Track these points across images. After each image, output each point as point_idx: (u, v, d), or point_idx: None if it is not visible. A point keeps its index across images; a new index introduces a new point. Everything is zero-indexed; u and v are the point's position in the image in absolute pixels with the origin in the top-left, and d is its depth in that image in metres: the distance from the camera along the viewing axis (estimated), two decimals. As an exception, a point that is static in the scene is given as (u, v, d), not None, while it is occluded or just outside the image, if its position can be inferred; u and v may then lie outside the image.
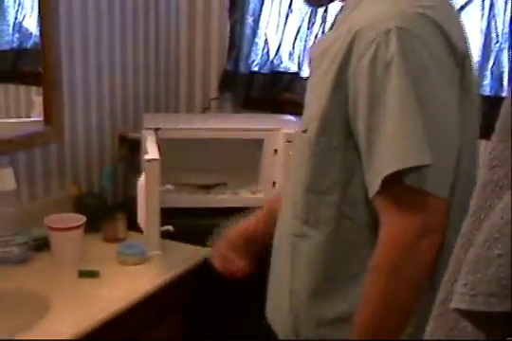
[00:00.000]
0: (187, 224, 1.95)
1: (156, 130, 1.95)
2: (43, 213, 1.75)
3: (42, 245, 1.76)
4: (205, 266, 1.75)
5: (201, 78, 2.43)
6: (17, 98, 1.92)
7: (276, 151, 2.01)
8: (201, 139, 2.03)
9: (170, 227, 1.71)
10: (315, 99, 1.15)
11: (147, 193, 1.62)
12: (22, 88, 1.95)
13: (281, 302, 1.27)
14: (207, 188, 2.11)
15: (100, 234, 1.91)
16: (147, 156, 1.63)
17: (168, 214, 1.83)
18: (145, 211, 1.64)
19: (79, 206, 1.94)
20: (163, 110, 2.43)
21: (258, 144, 2.04)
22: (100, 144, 2.14)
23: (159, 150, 1.75)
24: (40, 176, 1.94)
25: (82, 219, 1.73)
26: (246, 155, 2.11)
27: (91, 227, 1.89)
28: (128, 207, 1.91)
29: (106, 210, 1.93)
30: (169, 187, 1.72)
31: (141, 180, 1.64)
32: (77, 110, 2.03)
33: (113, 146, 2.19)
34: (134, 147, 2.05)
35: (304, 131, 1.17)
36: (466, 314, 0.64)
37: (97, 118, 2.11)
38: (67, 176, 2.03)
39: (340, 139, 1.11)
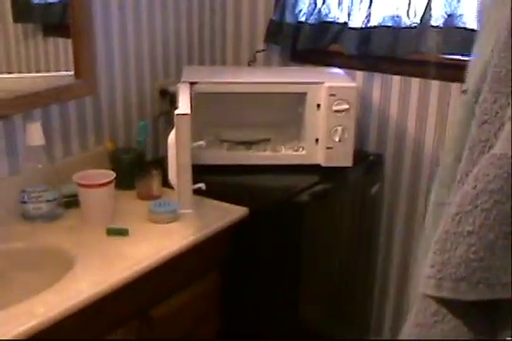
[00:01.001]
0: (224, 182, 1.91)
1: (193, 84, 1.87)
2: (78, 169, 1.71)
3: (73, 202, 1.72)
4: (240, 225, 1.71)
5: (248, 29, 2.33)
6: (65, 52, 1.86)
7: (319, 105, 1.92)
8: (240, 93, 1.95)
9: (202, 185, 1.64)
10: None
11: (177, 150, 1.56)
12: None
13: None
14: (249, 144, 2.04)
15: (134, 191, 1.86)
16: (177, 111, 1.56)
17: (204, 171, 1.79)
18: (176, 169, 1.57)
19: (113, 161, 1.90)
20: (208, 63, 2.34)
21: (301, 98, 1.95)
22: (140, 97, 2.08)
23: (194, 104, 1.69)
24: (75, 131, 1.90)
25: (111, 175, 1.68)
26: (290, 110, 2.02)
27: (126, 184, 1.86)
28: (164, 164, 1.85)
29: (141, 167, 1.87)
30: (201, 143, 1.64)
31: (171, 136, 1.57)
32: (114, 62, 1.97)
33: (153, 99, 2.12)
34: (175, 100, 1.98)
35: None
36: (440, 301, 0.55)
37: (136, 71, 2.05)
38: (104, 131, 1.99)
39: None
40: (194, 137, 1.81)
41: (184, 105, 1.61)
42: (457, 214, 0.53)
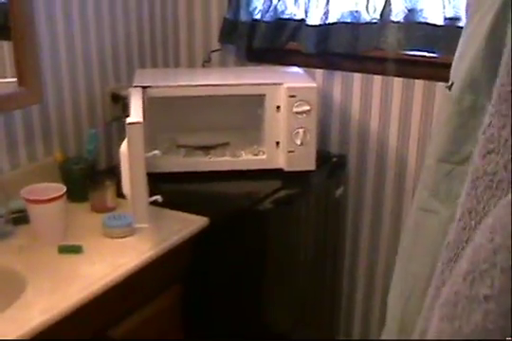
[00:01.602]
0: (182, 190, 1.86)
1: (145, 88, 1.80)
2: (27, 182, 1.63)
3: (23, 218, 1.63)
4: (201, 235, 1.67)
5: (201, 28, 2.26)
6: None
7: (279, 107, 1.87)
8: (195, 97, 1.87)
9: (158, 198, 1.57)
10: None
11: (130, 161, 1.48)
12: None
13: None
14: (207, 149, 1.97)
15: (88, 203, 1.78)
16: (128, 119, 1.48)
17: (161, 179, 1.76)
18: (129, 181, 1.49)
19: (64, 172, 1.81)
20: (161, 65, 2.26)
21: (260, 100, 1.88)
22: (90, 103, 2.00)
23: (147, 109, 1.64)
24: (22, 141, 1.80)
25: (61, 189, 1.58)
26: (249, 113, 1.96)
27: (78, 196, 1.78)
28: (119, 173, 1.77)
29: (93, 177, 1.79)
30: (156, 152, 1.57)
31: (124, 146, 1.49)
32: (61, 67, 1.88)
33: (105, 105, 2.04)
34: (127, 105, 1.91)
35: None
36: None
37: (85, 76, 1.96)
38: (53, 141, 1.90)
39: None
40: (149, 143, 1.75)
41: (136, 112, 1.53)
42: (469, 273, 0.44)
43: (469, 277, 0.43)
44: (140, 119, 1.47)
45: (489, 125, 0.49)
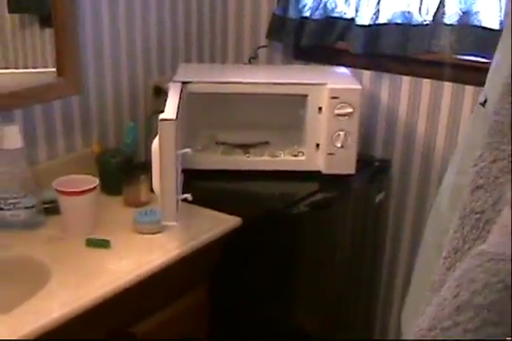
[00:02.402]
0: (217, 189, 1.85)
1: (185, 83, 1.79)
2: (64, 172, 1.64)
3: (55, 209, 1.64)
4: (233, 235, 1.66)
5: (250, 24, 2.24)
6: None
7: (320, 108, 1.83)
8: (237, 94, 1.86)
9: (188, 196, 1.56)
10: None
11: (161, 158, 1.47)
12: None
13: None
14: (246, 147, 1.96)
15: (122, 197, 1.79)
16: (161, 116, 1.47)
17: (197, 176, 1.78)
18: (159, 178, 1.49)
19: (100, 165, 1.82)
20: (208, 60, 2.26)
21: (302, 100, 1.86)
22: (133, 96, 2.01)
23: (188, 104, 1.65)
24: (60, 132, 1.82)
25: (94, 181, 1.60)
26: (291, 113, 1.93)
27: (113, 189, 1.80)
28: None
29: (129, 171, 1.79)
30: (187, 150, 1.56)
31: (155, 142, 1.49)
32: (104, 58, 1.89)
33: (147, 98, 2.04)
34: (170, 99, 1.92)
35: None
36: None
37: (128, 68, 1.97)
38: (93, 132, 1.91)
39: None
40: (188, 139, 1.77)
41: (170, 109, 1.53)
42: (432, 329, 0.41)
43: (431, 333, 0.40)
44: (173, 116, 1.46)
45: (480, 157, 0.46)
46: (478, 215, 0.46)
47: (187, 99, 1.77)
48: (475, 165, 0.48)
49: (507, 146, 0.47)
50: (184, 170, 1.72)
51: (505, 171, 0.48)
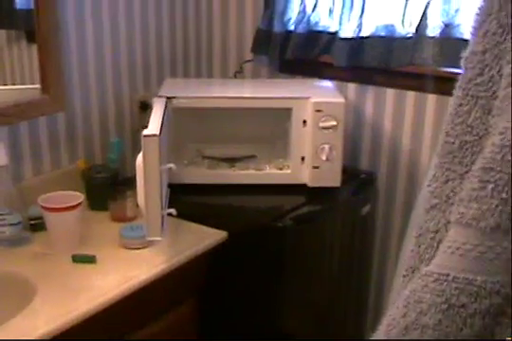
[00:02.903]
0: (203, 203, 1.87)
1: (170, 98, 1.81)
2: (50, 189, 1.66)
3: (41, 225, 1.66)
4: (219, 250, 1.68)
5: (235, 38, 2.27)
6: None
7: (305, 122, 1.86)
8: (222, 108, 1.88)
9: (172, 211, 1.58)
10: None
11: (145, 173, 1.49)
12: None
13: None
14: (232, 161, 1.98)
15: (108, 212, 1.81)
16: (145, 131, 1.49)
17: (183, 191, 1.80)
18: (144, 193, 1.50)
19: (86, 181, 1.84)
20: (194, 75, 2.28)
21: (287, 113, 1.88)
22: (118, 112, 2.03)
23: (173, 119, 1.70)
24: (46, 148, 1.84)
25: (79, 197, 1.61)
26: (276, 126, 1.97)
27: (99, 205, 1.82)
28: (137, 184, 1.80)
29: (114, 186, 1.81)
30: (170, 166, 1.58)
31: (139, 158, 1.51)
32: (89, 74, 1.91)
33: (133, 113, 2.06)
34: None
35: None
36: None
37: (113, 83, 1.99)
38: (79, 148, 1.93)
39: None
40: (175, 154, 1.80)
41: (154, 124, 1.55)
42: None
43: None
44: (156, 132, 1.48)
45: (433, 177, 0.48)
46: (432, 234, 0.47)
47: (173, 114, 1.80)
48: (429, 185, 0.50)
49: (458, 166, 0.49)
50: (170, 185, 1.74)
51: (457, 191, 0.50)
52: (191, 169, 1.92)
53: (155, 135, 1.48)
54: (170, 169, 1.60)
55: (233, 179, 1.91)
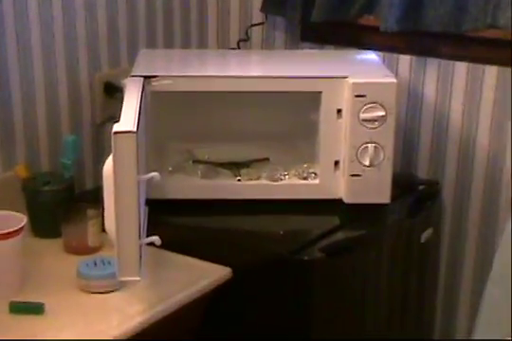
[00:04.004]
0: (197, 227, 1.88)
1: (149, 78, 1.81)
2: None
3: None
4: (219, 293, 1.69)
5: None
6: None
7: (340, 111, 1.87)
8: (223, 93, 1.90)
9: (156, 240, 1.57)
10: None
11: (116, 186, 1.49)
12: None
13: None
14: (235, 167, 1.99)
15: (60, 240, 1.81)
16: (116, 127, 1.49)
17: (168, 210, 1.82)
18: (114, 214, 1.51)
19: (28, 195, 1.84)
20: (179, 45, 2.30)
21: (314, 100, 1.89)
22: (73, 98, 2.04)
23: (154, 108, 1.72)
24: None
25: (20, 220, 1.62)
26: (298, 118, 1.98)
27: (47, 230, 1.84)
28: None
29: (70, 203, 1.81)
30: (153, 175, 1.57)
31: (108, 164, 1.51)
32: (31, 45, 1.91)
33: (94, 100, 2.08)
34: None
35: None
36: None
37: (65, 57, 1.99)
38: (17, 150, 1.93)
39: None
40: (155, 158, 1.82)
41: (128, 116, 1.54)
42: None
43: None
44: (132, 127, 1.47)
45: None
46: None
47: (151, 101, 1.80)
48: None
49: None
50: (150, 202, 1.74)
51: None
52: (178, 178, 1.93)
53: (130, 132, 1.47)
54: (151, 179, 1.59)
55: (238, 193, 1.92)
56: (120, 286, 1.66)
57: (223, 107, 1.99)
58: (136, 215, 1.51)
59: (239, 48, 2.27)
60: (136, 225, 1.51)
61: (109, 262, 1.66)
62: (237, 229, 1.88)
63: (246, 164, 2.01)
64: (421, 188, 2.11)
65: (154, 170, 1.62)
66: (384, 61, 2.05)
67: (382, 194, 1.90)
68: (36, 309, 1.57)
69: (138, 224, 1.51)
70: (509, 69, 2.00)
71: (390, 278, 2.00)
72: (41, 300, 1.58)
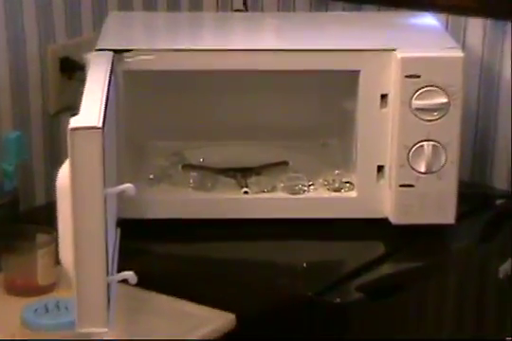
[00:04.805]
0: (187, 257, 1.88)
1: (119, 53, 1.82)
2: None
3: None
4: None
5: None
6: None
7: (385, 97, 1.87)
8: (223, 73, 1.90)
9: (129, 275, 1.57)
10: None
11: (75, 202, 1.49)
12: None
13: None
14: (241, 174, 2.01)
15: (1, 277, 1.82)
16: (73, 122, 1.49)
17: (148, 233, 1.83)
18: (72, 240, 1.51)
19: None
20: (163, 6, 2.31)
21: (348, 83, 1.90)
22: (16, 79, 2.04)
23: (126, 94, 1.73)
24: None
25: None
26: (326, 107, 2.01)
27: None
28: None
29: (12, 226, 1.82)
30: (127, 186, 1.57)
31: (62, 172, 1.51)
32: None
33: (46, 81, 2.09)
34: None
35: None
36: None
37: (6, 26, 2.00)
38: None
39: None
40: (130, 162, 1.83)
41: (92, 106, 1.54)
42: None
43: None
44: (96, 122, 1.47)
45: None
46: None
47: (125, 85, 1.81)
48: None
49: None
50: (123, 223, 1.76)
51: None
52: (162, 190, 1.94)
53: (93, 128, 1.48)
54: (124, 192, 1.59)
55: (245, 210, 1.93)
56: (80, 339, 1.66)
57: (224, 93, 2.02)
58: (102, 241, 1.51)
59: (246, 11, 2.26)
60: (102, 256, 1.51)
61: (66, 307, 1.67)
62: (243, 261, 1.89)
63: (257, 170, 2.02)
64: (498, 202, 2.10)
65: (128, 181, 1.62)
66: (447, 27, 2.04)
67: (444, 212, 1.90)
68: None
69: (106, 255, 1.51)
70: None
71: (456, 327, 2.01)
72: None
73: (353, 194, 1.94)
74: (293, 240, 1.92)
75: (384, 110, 1.88)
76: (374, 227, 1.93)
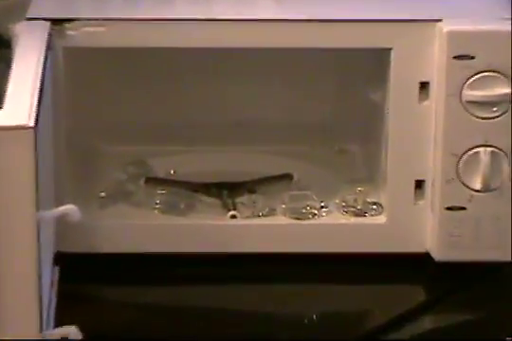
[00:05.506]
0: (154, 306, 1.87)
1: (59, 23, 1.80)
2: None
3: None
4: None
5: None
6: None
7: (425, 86, 1.84)
8: (202, 51, 1.89)
9: (71, 331, 1.54)
10: None
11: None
12: None
13: None
14: (228, 191, 1.99)
15: None
16: (-4, 118, 1.46)
17: (98, 273, 1.84)
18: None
19: None
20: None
21: (376, 66, 1.90)
22: None
23: (70, 79, 1.75)
24: None
25: None
26: (344, 102, 2.01)
27: None
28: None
29: None
30: (68, 208, 1.54)
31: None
32: None
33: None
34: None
35: None
36: None
37: None
38: None
39: None
40: (72, 176, 1.81)
41: (20, 97, 1.52)
42: None
43: None
44: (27, 119, 1.44)
45: None
46: None
47: (66, 66, 1.79)
48: None
49: None
50: (63, 259, 1.75)
51: None
52: (117, 213, 1.93)
53: (23, 128, 1.45)
54: (64, 216, 1.56)
55: (232, 242, 1.91)
56: None
57: (205, 80, 2.01)
58: (33, 285, 1.49)
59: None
60: (33, 305, 1.49)
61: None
62: (233, 311, 1.87)
63: (249, 186, 2.02)
64: None
65: (71, 200, 1.63)
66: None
67: (502, 245, 1.89)
68: None
69: (39, 303, 1.49)
70: None
71: None
72: None
73: (381, 220, 1.93)
74: (298, 283, 1.92)
75: (424, 103, 1.86)
76: (410, 265, 1.92)
